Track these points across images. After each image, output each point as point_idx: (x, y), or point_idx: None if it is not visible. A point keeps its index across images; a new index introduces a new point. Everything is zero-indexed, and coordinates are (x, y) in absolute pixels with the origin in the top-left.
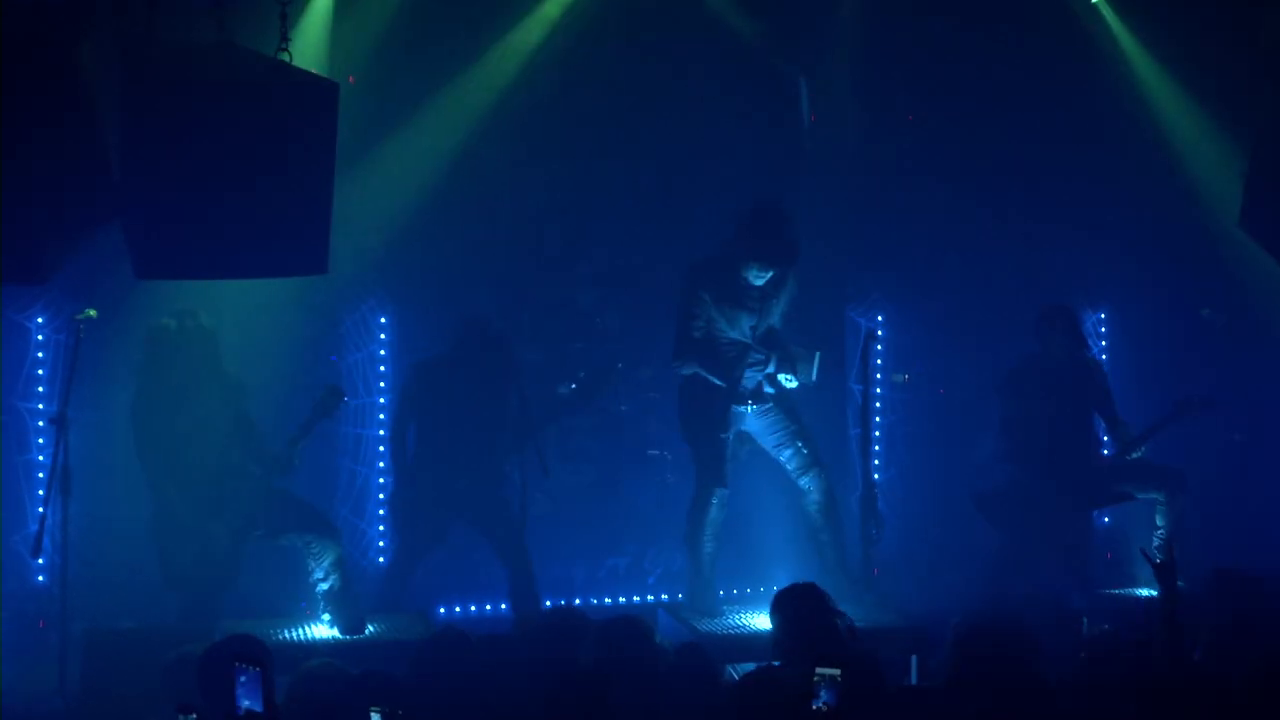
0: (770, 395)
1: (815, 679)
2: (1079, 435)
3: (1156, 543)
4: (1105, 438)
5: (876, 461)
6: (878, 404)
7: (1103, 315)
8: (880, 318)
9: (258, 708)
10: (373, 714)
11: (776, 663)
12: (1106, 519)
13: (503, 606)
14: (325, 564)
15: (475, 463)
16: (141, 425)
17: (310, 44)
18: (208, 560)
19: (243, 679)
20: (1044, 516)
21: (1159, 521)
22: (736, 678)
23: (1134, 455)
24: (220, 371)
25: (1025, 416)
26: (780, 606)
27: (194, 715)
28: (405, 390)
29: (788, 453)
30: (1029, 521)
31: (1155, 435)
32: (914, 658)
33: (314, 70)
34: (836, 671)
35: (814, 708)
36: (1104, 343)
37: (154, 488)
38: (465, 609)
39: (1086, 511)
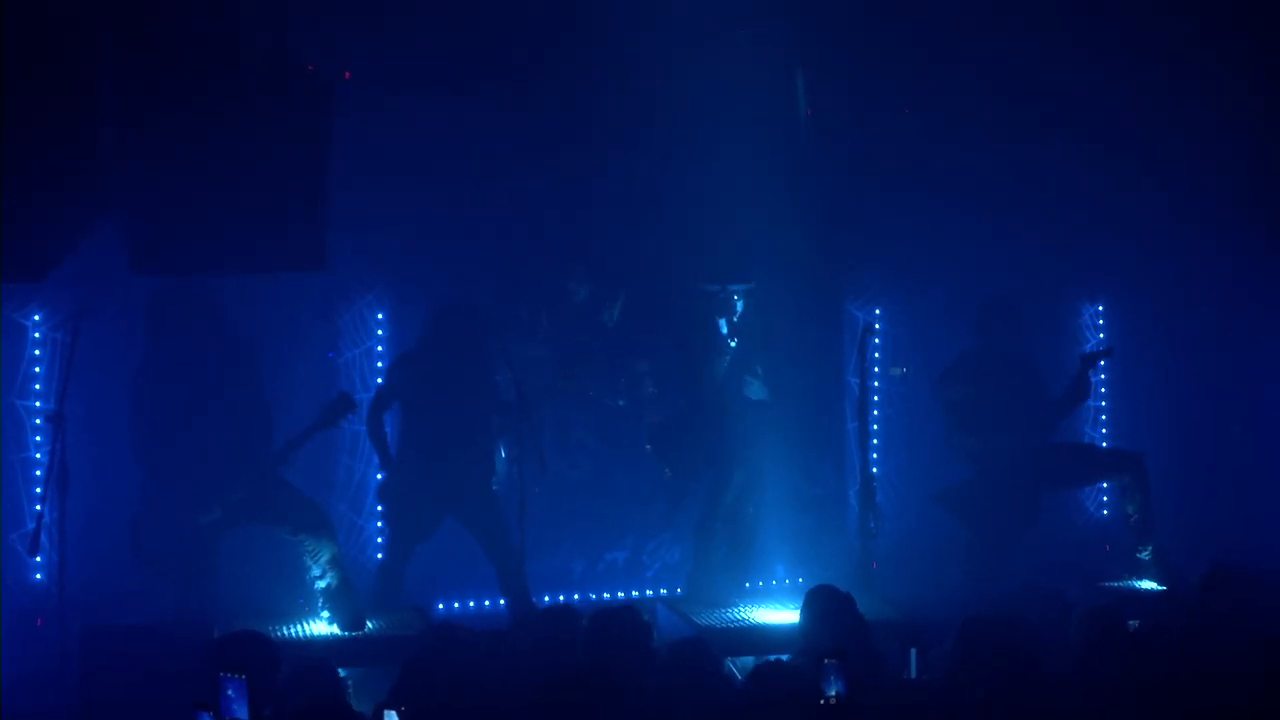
0: None
1: (825, 665)
2: (1024, 417)
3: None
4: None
5: (875, 455)
6: (875, 397)
7: (1100, 308)
8: (878, 311)
9: (243, 717)
10: (387, 714)
11: (784, 657)
12: (1106, 511)
13: (501, 602)
14: (322, 561)
15: (461, 453)
16: (142, 395)
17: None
18: (182, 542)
19: (229, 688)
20: (1003, 496)
21: (1129, 509)
22: (735, 671)
23: (1065, 414)
24: (228, 336)
25: (973, 398)
26: (811, 603)
27: (210, 714)
28: (389, 381)
29: None
30: (991, 506)
31: (1077, 391)
32: (913, 651)
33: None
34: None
35: (824, 699)
36: (1102, 335)
37: (144, 463)
38: (464, 604)
39: (1047, 487)
